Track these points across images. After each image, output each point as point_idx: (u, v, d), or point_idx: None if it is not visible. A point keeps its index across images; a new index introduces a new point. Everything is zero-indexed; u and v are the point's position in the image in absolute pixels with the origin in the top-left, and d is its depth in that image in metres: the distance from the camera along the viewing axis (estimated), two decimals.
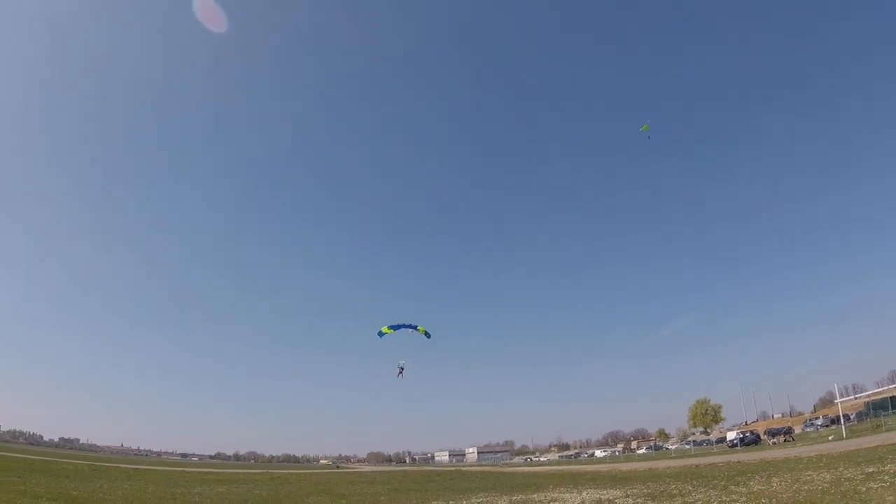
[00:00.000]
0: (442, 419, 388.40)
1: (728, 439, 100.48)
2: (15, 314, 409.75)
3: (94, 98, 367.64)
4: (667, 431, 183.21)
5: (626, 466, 60.42)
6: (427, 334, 60.62)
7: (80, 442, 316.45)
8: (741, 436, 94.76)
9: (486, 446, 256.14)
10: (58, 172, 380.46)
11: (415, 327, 59.37)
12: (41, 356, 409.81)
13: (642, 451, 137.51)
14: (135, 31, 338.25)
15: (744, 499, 20.48)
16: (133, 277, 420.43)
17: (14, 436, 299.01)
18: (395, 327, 58.43)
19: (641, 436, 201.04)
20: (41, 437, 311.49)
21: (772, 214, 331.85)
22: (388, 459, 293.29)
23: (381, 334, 59.11)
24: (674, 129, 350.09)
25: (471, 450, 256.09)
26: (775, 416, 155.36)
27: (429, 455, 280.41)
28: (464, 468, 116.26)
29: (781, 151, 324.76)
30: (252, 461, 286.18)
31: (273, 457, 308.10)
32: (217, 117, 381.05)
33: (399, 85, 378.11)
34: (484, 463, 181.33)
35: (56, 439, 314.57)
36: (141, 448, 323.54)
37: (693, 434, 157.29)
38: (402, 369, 58.11)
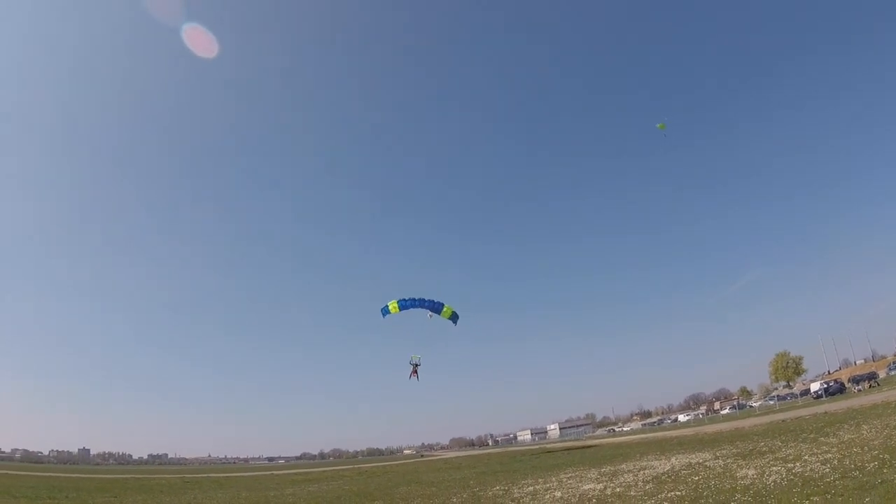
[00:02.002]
0: (521, 398, 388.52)
1: (812, 391, 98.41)
2: (93, 336, 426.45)
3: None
4: (749, 389, 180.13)
5: (711, 428, 59.96)
6: (454, 317, 58.09)
7: (169, 456, 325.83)
8: (825, 386, 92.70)
9: (567, 421, 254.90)
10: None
11: (438, 307, 56.42)
12: (124, 377, 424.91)
13: (726, 411, 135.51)
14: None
15: (835, 449, 20.50)
16: (210, 286, 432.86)
17: (104, 458, 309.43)
18: (407, 305, 56.10)
19: (724, 396, 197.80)
20: (130, 456, 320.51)
21: (829, 155, 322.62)
22: (471, 444, 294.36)
23: (385, 312, 56.84)
24: (735, 79, 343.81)
25: (552, 426, 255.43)
26: (857, 362, 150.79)
27: (511, 435, 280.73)
28: (547, 445, 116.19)
29: (839, 88, 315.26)
30: (337, 458, 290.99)
31: (357, 452, 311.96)
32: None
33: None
34: (567, 438, 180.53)
35: (145, 456, 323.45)
36: (228, 456, 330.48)
37: (776, 389, 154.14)
38: (417, 368, 56.16)
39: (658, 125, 71.85)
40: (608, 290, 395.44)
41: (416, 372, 56.10)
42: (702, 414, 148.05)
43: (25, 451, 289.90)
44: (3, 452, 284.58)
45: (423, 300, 56.46)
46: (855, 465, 16.19)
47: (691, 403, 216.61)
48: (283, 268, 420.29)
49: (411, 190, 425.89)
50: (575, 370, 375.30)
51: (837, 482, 14.25)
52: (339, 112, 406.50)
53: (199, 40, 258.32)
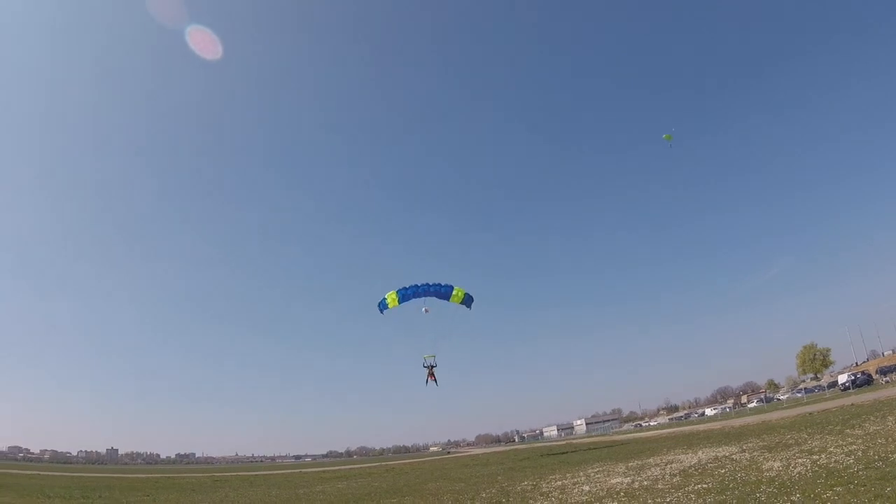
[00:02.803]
0: (546, 394, 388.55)
1: (839, 383, 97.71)
2: (120, 338, 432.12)
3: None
4: (776, 382, 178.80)
5: (738, 422, 60.01)
6: (467, 300, 51.51)
7: (196, 456, 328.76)
8: (852, 378, 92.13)
9: (593, 417, 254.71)
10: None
11: (446, 291, 50.41)
12: (152, 377, 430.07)
13: (753, 404, 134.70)
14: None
15: (860, 441, 20.81)
16: (236, 287, 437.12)
17: (133, 458, 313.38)
18: (409, 294, 50.08)
19: (751, 389, 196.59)
20: (158, 456, 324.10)
21: (856, 145, 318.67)
22: (497, 440, 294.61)
23: (383, 307, 51.14)
24: (764, 64, 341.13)
25: (579, 422, 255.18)
26: (885, 353, 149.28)
27: (537, 431, 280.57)
28: (574, 441, 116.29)
29: (869, 76, 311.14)
30: (363, 456, 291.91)
31: (384, 449, 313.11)
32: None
33: None
34: (593, 434, 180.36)
35: (173, 456, 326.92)
36: (255, 455, 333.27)
37: (803, 381, 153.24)
38: (433, 370, 50.83)
39: (665, 136, 71.38)
40: (634, 285, 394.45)
41: (433, 375, 50.92)
42: (729, 408, 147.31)
43: (54, 451, 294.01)
44: (33, 454, 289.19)
45: (428, 285, 50.53)
46: (879, 456, 16.53)
47: (718, 397, 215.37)
48: (307, 266, 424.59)
49: (434, 188, 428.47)
50: (601, 365, 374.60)
51: (861, 473, 14.62)
52: (357, 110, 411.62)
53: (204, 42, 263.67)
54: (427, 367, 50.83)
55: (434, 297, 51.19)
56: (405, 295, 50.51)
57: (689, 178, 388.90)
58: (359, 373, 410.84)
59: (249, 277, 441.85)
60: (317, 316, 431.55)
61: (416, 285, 50.57)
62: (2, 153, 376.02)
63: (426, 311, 49.93)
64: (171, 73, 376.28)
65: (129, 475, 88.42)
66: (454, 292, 51.13)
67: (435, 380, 51.10)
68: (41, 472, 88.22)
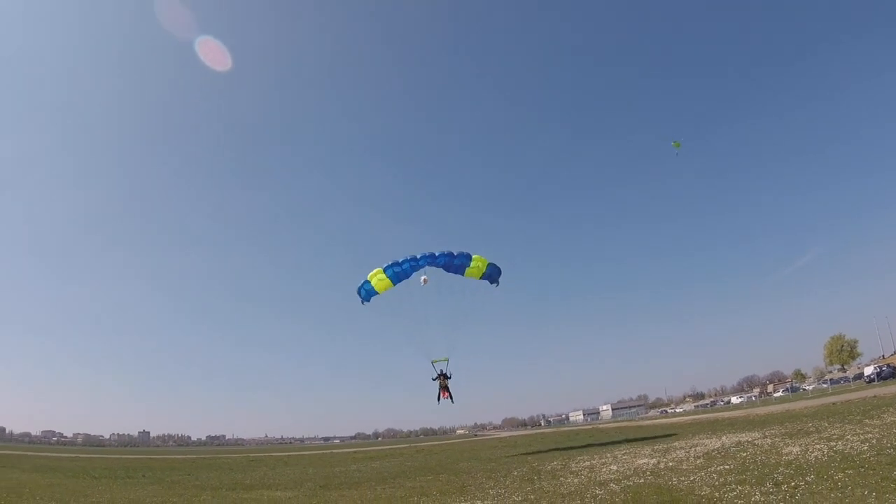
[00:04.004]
0: (573, 379, 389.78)
1: (865, 374, 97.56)
2: (150, 322, 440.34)
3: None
4: (803, 372, 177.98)
5: (762, 410, 60.60)
6: (491, 272, 40.58)
7: (227, 437, 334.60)
8: (878, 370, 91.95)
9: (619, 402, 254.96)
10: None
11: (462, 261, 39.18)
12: (183, 361, 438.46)
13: (779, 393, 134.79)
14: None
15: (877, 430, 21.81)
16: (264, 270, 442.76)
17: (164, 440, 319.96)
18: (405, 270, 38.85)
19: (777, 378, 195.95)
20: (189, 438, 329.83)
21: (883, 138, 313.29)
22: (523, 424, 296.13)
23: (368, 295, 40.23)
24: (794, 52, 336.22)
25: (605, 407, 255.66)
26: None
27: (563, 416, 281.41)
28: (600, 425, 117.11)
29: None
30: (391, 438, 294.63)
31: (411, 431, 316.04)
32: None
33: None
34: (619, 419, 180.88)
35: (203, 438, 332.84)
36: (284, 437, 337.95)
37: (830, 372, 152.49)
38: (447, 380, 40.32)
39: (674, 144, 71.07)
40: (663, 274, 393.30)
41: (447, 389, 40.24)
42: (754, 396, 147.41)
43: (87, 435, 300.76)
44: (66, 437, 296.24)
45: (433, 256, 38.70)
46: (891, 444, 17.61)
47: (744, 386, 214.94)
48: (333, 252, 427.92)
49: (458, 176, 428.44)
50: (628, 352, 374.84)
51: (872, 458, 15.75)
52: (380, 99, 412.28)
53: (213, 52, 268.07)
54: (438, 377, 40.23)
55: (442, 271, 39.83)
56: (400, 272, 38.89)
57: (720, 168, 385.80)
58: (387, 356, 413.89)
59: (277, 262, 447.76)
60: (344, 299, 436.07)
61: (415, 257, 38.86)
62: (35, 152, 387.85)
63: (424, 281, 38.43)
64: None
65: (166, 456, 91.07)
66: (472, 263, 39.53)
67: (450, 396, 40.35)
68: (80, 455, 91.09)
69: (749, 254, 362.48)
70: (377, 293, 39.92)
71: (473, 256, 39.68)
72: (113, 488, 31.24)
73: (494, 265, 40.65)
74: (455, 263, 39.23)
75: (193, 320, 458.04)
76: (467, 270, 39.83)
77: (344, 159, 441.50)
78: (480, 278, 40.53)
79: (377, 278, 39.16)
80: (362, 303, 41.08)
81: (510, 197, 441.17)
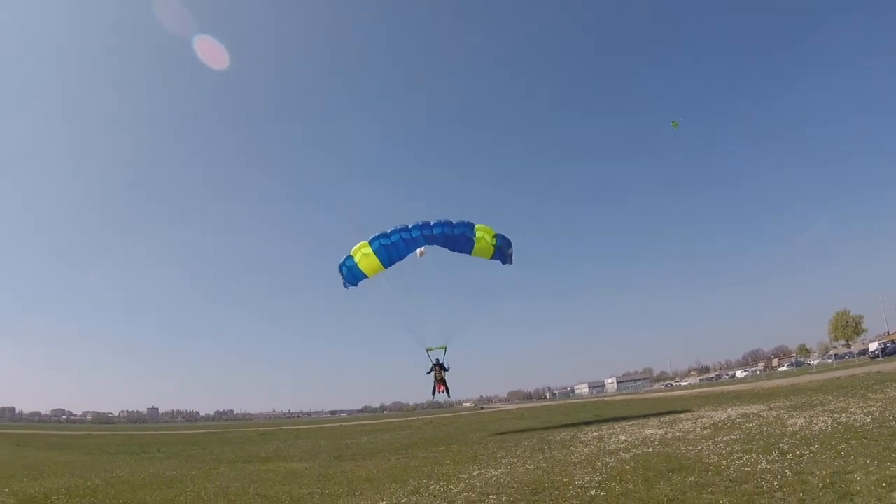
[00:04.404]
0: (578, 352, 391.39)
1: (869, 350, 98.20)
2: (157, 298, 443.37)
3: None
4: (808, 346, 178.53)
5: (767, 384, 61.08)
6: (501, 248, 34.92)
7: (235, 412, 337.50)
8: (882, 346, 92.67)
9: (624, 375, 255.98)
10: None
11: (464, 232, 33.48)
12: (189, 337, 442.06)
13: (784, 368, 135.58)
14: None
15: (880, 404, 22.36)
16: (270, 244, 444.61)
17: (173, 416, 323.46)
18: (398, 249, 33.55)
19: (782, 353, 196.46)
20: (198, 414, 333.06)
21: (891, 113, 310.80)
22: (529, 397, 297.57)
23: (353, 278, 35.30)
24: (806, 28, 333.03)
25: (610, 380, 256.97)
26: None
27: (568, 389, 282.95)
28: (606, 398, 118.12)
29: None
30: (397, 411, 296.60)
31: (417, 404, 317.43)
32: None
33: None
34: (624, 392, 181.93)
35: (212, 413, 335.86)
36: (291, 411, 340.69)
37: (835, 347, 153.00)
38: (444, 371, 35.62)
39: (672, 123, 70.68)
40: (668, 247, 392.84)
41: (443, 382, 35.74)
42: (760, 370, 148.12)
43: (97, 412, 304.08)
44: (75, 415, 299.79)
45: (428, 226, 33.20)
46: (894, 417, 18.13)
47: (749, 360, 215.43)
48: (339, 227, 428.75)
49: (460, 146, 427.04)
50: (633, 325, 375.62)
51: (875, 430, 16.26)
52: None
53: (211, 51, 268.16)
54: (433, 368, 35.60)
55: (444, 250, 34.66)
56: (390, 246, 33.50)
57: (726, 142, 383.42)
58: (393, 329, 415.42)
59: (279, 238, 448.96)
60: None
61: (408, 229, 33.36)
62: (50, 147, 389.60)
63: (421, 253, 33.90)
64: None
65: (176, 432, 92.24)
66: (477, 236, 33.87)
67: (446, 389, 36.08)
68: (91, 432, 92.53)
69: (754, 228, 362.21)
70: (366, 276, 34.78)
71: (476, 226, 33.91)
72: (130, 463, 32.02)
73: (503, 237, 34.84)
74: (456, 235, 33.31)
75: (200, 297, 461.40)
76: (474, 248, 34.08)
77: (354, 139, 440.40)
78: (491, 258, 35.07)
79: (362, 254, 33.63)
80: (345, 285, 35.96)
81: (512, 168, 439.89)
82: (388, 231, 33.16)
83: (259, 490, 18.59)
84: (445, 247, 34.01)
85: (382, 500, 14.73)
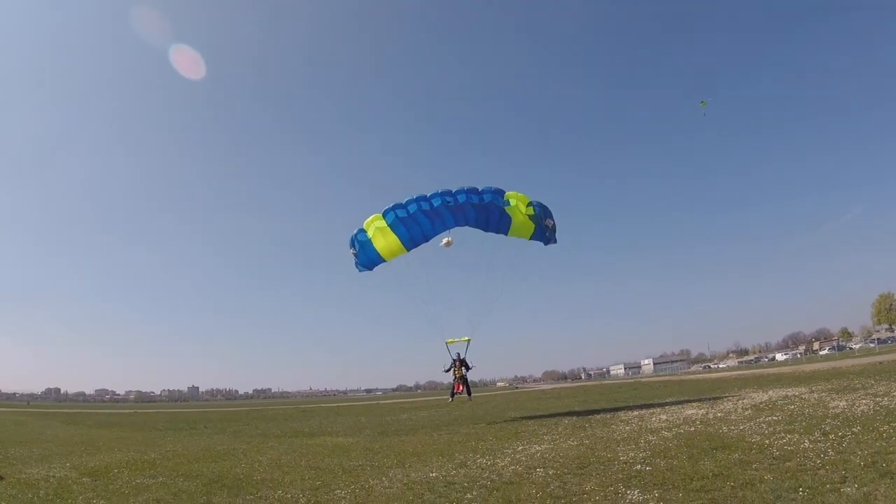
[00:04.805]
0: (614, 333, 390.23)
1: None
2: (196, 280, 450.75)
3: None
4: (850, 330, 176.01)
5: (808, 367, 60.66)
6: (542, 226, 29.35)
7: (273, 391, 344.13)
8: None
9: (661, 357, 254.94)
10: None
11: (493, 203, 28.19)
12: (229, 316, 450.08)
13: (825, 351, 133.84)
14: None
15: None
16: (308, 224, 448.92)
17: (213, 394, 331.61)
18: (422, 227, 28.99)
19: (823, 336, 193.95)
20: (237, 392, 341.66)
21: None
22: (563, 377, 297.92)
23: (369, 260, 30.53)
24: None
25: (646, 361, 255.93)
26: None
27: (604, 370, 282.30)
28: (643, 379, 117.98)
29: None
30: (431, 389, 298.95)
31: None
32: None
33: None
34: (661, 374, 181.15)
35: (250, 391, 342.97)
36: (328, 389, 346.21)
37: (878, 331, 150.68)
38: (466, 370, 32.28)
39: (701, 104, 70.45)
40: (706, 227, 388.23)
41: (464, 383, 32.80)
42: (800, 354, 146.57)
43: (139, 391, 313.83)
44: (118, 395, 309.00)
45: (450, 193, 28.22)
46: None
47: (790, 343, 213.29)
48: (374, 206, 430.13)
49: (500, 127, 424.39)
50: (670, 306, 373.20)
51: None
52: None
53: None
54: (452, 365, 32.07)
55: (469, 230, 29.83)
56: (414, 227, 28.93)
57: (766, 122, 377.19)
58: (426, 306, 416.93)
59: (317, 218, 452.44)
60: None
61: (426, 198, 28.35)
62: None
63: (448, 243, 29.66)
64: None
65: (218, 409, 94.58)
66: (512, 204, 28.59)
67: (467, 389, 33.43)
68: (137, 410, 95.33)
69: (795, 210, 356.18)
70: (383, 259, 30.44)
71: (507, 193, 28.70)
72: (180, 438, 33.17)
73: (541, 205, 29.31)
74: (485, 203, 28.27)
75: (237, 277, 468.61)
76: (511, 224, 29.13)
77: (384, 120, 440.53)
78: (530, 238, 30.02)
79: (376, 227, 29.15)
80: (358, 267, 31.12)
81: (552, 145, 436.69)
82: (404, 201, 28.53)
83: (311, 462, 19.24)
84: (478, 226, 29.68)
85: (432, 472, 15.21)
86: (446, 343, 31.73)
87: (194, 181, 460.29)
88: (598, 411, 32.74)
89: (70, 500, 13.62)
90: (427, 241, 30.02)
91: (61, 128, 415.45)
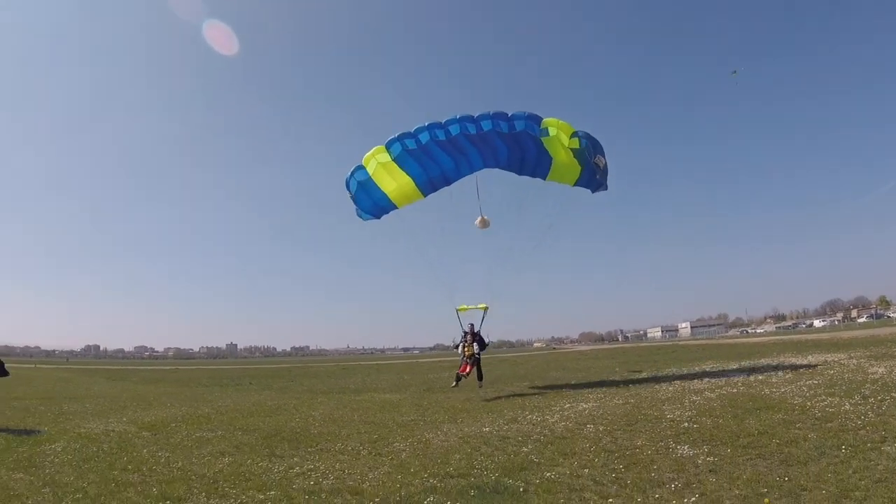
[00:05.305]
0: (652, 295, 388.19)
1: None
2: (235, 238, 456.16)
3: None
4: (888, 299, 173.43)
5: (847, 334, 60.54)
6: (585, 149, 22.72)
7: (310, 348, 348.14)
8: None
9: (698, 320, 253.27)
10: None
11: (525, 130, 22.31)
12: (266, 274, 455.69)
13: (863, 319, 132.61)
14: None
15: None
16: (336, 185, 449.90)
17: (251, 351, 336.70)
18: (442, 166, 23.62)
19: (861, 304, 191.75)
20: (275, 349, 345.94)
21: None
22: (601, 339, 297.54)
23: (371, 206, 25.48)
24: None
25: (683, 325, 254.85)
26: None
27: (641, 332, 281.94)
28: (681, 342, 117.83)
29: None
30: None
31: (488, 343, 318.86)
32: None
33: None
34: (698, 337, 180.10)
35: (288, 349, 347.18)
36: (365, 347, 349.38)
37: None
38: (480, 347, 26.23)
39: (733, 72, 69.53)
40: (748, 196, 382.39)
41: (475, 363, 26.28)
42: (838, 321, 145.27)
43: (178, 349, 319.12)
44: (157, 352, 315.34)
45: (472, 119, 22.55)
46: None
47: (827, 309, 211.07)
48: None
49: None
50: (710, 269, 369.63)
51: None
52: None
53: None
54: (464, 339, 26.21)
55: (504, 169, 24.31)
56: (428, 162, 23.47)
57: (813, 90, 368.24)
58: (464, 264, 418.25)
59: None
60: (415, 209, 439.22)
61: (440, 124, 22.85)
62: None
63: (483, 222, 24.85)
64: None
65: (258, 366, 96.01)
66: (551, 137, 22.65)
67: (479, 372, 26.52)
68: (179, 367, 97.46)
69: (837, 178, 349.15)
70: (394, 205, 25.18)
71: (545, 120, 22.64)
72: (229, 394, 34.01)
73: (588, 137, 23.00)
74: (517, 133, 22.37)
75: (274, 236, 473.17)
76: (552, 165, 23.36)
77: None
78: (574, 183, 24.18)
79: (378, 163, 23.66)
80: (359, 215, 26.30)
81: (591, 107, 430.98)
82: (413, 130, 22.89)
83: (364, 417, 19.82)
84: (510, 167, 24.12)
85: (485, 427, 15.89)
86: (457, 311, 26.26)
87: (233, 140, 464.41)
88: (639, 372, 33.43)
89: (134, 453, 13.94)
90: (448, 184, 24.47)
91: (98, 90, 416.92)
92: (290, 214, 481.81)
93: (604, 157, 23.78)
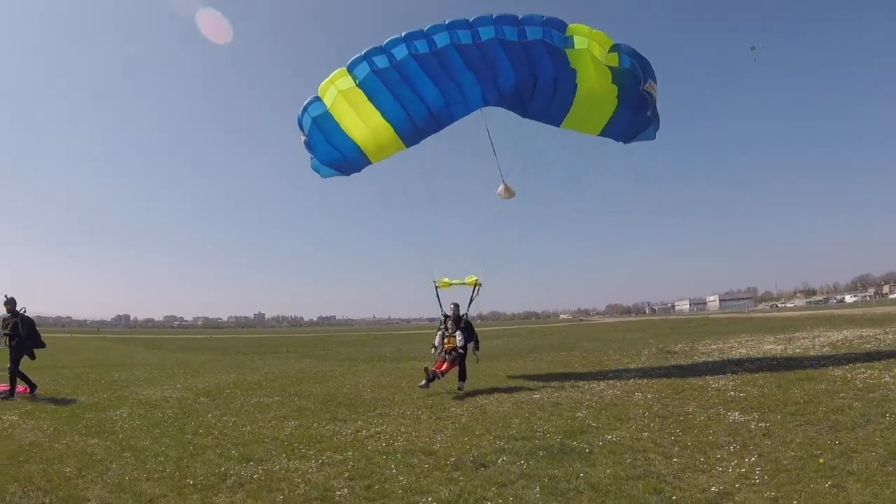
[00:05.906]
0: (679, 267, 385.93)
1: None
2: (265, 206, 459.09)
3: None
4: None
5: (879, 310, 60.42)
6: (630, 71, 15.67)
7: (337, 318, 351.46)
8: None
9: (727, 294, 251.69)
10: None
11: (548, 38, 15.24)
12: (293, 244, 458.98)
13: (894, 295, 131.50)
14: None
15: None
16: None
17: (279, 321, 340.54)
18: (411, 71, 16.23)
19: (893, 280, 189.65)
20: (302, 319, 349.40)
21: None
22: (627, 311, 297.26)
23: (324, 142, 18.50)
24: None
25: (712, 298, 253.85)
26: None
27: (669, 304, 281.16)
28: (710, 315, 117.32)
29: None
30: (494, 319, 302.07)
31: (514, 314, 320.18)
32: None
33: None
34: (727, 311, 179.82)
35: (315, 318, 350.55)
36: (391, 317, 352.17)
37: None
38: (466, 339, 18.42)
39: (752, 49, 68.86)
40: (774, 167, 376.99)
41: (455, 358, 18.17)
42: (869, 296, 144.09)
43: (206, 318, 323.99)
44: (186, 321, 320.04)
45: (467, 24, 15.54)
46: None
47: (858, 285, 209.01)
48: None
49: None
50: (739, 242, 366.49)
51: None
52: None
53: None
54: (444, 324, 19.21)
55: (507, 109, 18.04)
56: (407, 92, 16.79)
57: (847, 67, 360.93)
58: (490, 234, 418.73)
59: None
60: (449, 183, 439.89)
61: (423, 32, 15.88)
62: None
63: (507, 191, 18.60)
64: None
65: (289, 335, 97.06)
66: (577, 50, 15.44)
67: (462, 371, 18.42)
68: (213, 336, 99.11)
69: (869, 153, 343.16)
70: (365, 157, 18.93)
71: (571, 27, 15.70)
72: (270, 362, 34.79)
73: (634, 54, 16.16)
74: (528, 42, 15.51)
75: (304, 205, 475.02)
76: (575, 99, 16.79)
77: None
78: (602, 133, 17.94)
79: (338, 91, 17.05)
80: (315, 167, 20.15)
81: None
82: (384, 44, 16.29)
83: (411, 384, 20.07)
84: (514, 103, 17.81)
85: (535, 394, 16.47)
86: (436, 286, 19.99)
87: (266, 114, 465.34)
88: (675, 343, 33.71)
89: (200, 419, 14.34)
90: (439, 128, 18.24)
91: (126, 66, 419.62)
92: (315, 184, 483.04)
93: (654, 82, 16.76)
